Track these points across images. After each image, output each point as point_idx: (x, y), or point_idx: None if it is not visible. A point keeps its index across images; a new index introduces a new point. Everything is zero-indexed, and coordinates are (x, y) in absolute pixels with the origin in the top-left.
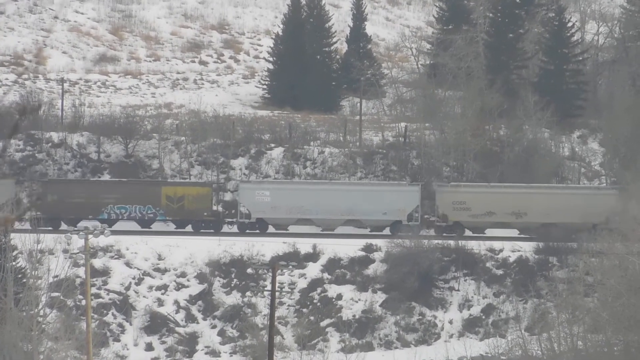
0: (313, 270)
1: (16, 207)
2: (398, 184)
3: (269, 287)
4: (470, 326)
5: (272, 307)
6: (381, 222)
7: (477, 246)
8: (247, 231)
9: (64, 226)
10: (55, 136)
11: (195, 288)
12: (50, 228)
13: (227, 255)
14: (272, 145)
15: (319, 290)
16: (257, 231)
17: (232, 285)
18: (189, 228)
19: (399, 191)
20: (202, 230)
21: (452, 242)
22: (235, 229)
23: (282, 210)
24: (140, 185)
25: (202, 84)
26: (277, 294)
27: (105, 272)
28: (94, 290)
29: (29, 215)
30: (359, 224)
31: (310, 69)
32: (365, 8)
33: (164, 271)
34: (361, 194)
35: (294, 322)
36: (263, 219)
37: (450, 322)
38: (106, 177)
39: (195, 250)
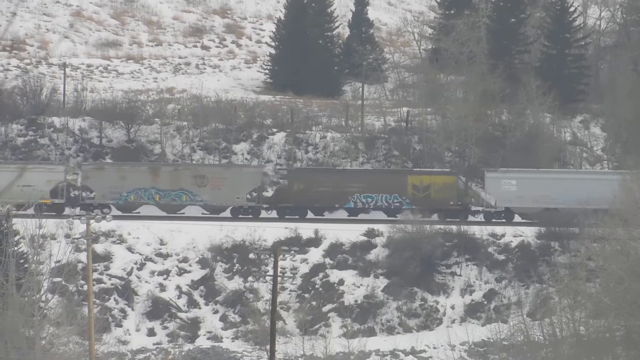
0: (315, 255)
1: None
2: None
3: (270, 272)
4: (472, 311)
5: (274, 292)
6: None
7: (479, 231)
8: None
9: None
10: (57, 121)
11: (197, 273)
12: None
13: (229, 241)
14: (274, 130)
15: (320, 275)
16: (503, 220)
17: (234, 270)
18: (190, 212)
19: None
20: (447, 220)
21: (454, 227)
22: (481, 217)
23: (528, 200)
24: (386, 174)
25: (204, 68)
26: (279, 279)
27: (107, 257)
28: (95, 275)
29: None
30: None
31: (313, 54)
32: None
33: (166, 256)
34: (614, 184)
35: (296, 308)
36: (509, 208)
37: (452, 307)
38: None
39: (197, 236)
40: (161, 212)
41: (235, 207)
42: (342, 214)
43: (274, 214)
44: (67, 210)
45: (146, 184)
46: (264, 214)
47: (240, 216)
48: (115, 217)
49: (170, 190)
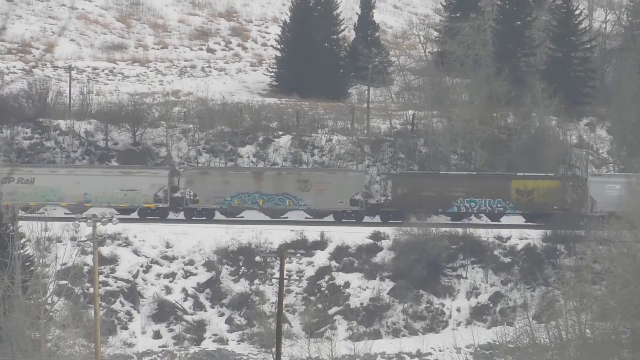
0: (321, 258)
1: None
2: None
3: (277, 275)
4: (478, 314)
5: (280, 295)
6: None
7: (485, 234)
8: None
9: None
10: (63, 124)
11: (203, 276)
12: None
13: (235, 243)
14: (280, 132)
15: (326, 278)
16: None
17: (240, 273)
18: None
19: None
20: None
21: (459, 230)
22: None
23: None
24: (490, 179)
25: (210, 71)
26: (285, 281)
27: (113, 260)
28: (101, 278)
29: None
30: None
31: (318, 57)
32: None
33: (172, 259)
34: None
35: (302, 310)
36: (614, 213)
37: (458, 310)
38: (109, 163)
39: (203, 238)
40: (265, 216)
41: (339, 211)
42: (444, 218)
43: (376, 218)
44: (170, 215)
45: (250, 188)
46: (366, 218)
47: (344, 220)
48: (122, 220)
49: (274, 194)
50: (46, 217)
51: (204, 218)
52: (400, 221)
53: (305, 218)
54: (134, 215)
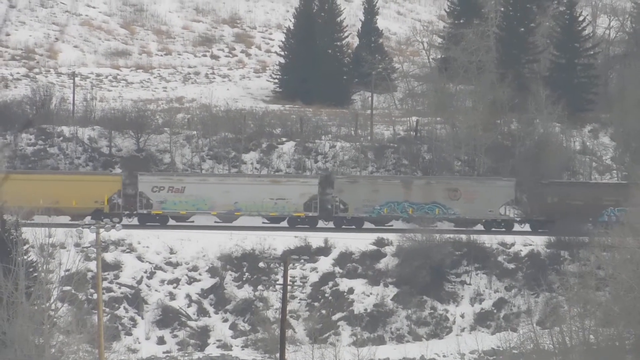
0: (324, 264)
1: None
2: None
3: (280, 281)
4: (482, 320)
5: (284, 301)
6: None
7: (488, 240)
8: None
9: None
10: (66, 130)
11: (207, 282)
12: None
13: (239, 249)
14: (284, 139)
15: (330, 284)
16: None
17: (244, 279)
18: (199, 222)
19: None
20: None
21: (463, 236)
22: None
23: None
24: None
25: (214, 78)
26: (288, 287)
27: (116, 266)
28: (105, 284)
29: None
30: None
31: (322, 63)
32: (376, 2)
33: (175, 265)
34: None
35: (306, 316)
36: None
37: (462, 316)
38: (113, 169)
39: (207, 244)
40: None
41: (489, 220)
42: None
43: (526, 227)
44: (320, 224)
45: (399, 197)
46: (516, 227)
47: (493, 229)
48: (125, 227)
49: (423, 203)
50: (49, 223)
51: (353, 227)
52: (550, 231)
53: (455, 227)
54: (284, 224)
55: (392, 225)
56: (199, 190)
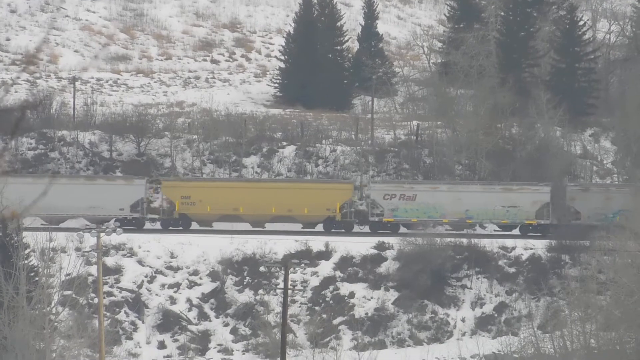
0: (325, 268)
1: None
2: None
3: (281, 285)
4: (483, 324)
5: (285, 305)
6: None
7: (489, 244)
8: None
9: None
10: (67, 134)
11: (208, 286)
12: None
13: (240, 254)
14: (284, 143)
15: (331, 288)
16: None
17: (245, 283)
18: (195, 225)
19: None
20: None
21: (464, 240)
22: None
23: None
24: None
25: (214, 82)
26: (289, 292)
27: (117, 270)
28: (106, 288)
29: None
30: None
31: (322, 68)
32: (376, 6)
33: (176, 269)
34: None
35: (307, 320)
36: None
37: (463, 320)
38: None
39: (207, 249)
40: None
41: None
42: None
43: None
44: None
45: (630, 205)
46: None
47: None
48: (126, 231)
49: None
50: (50, 227)
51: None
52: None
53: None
54: (516, 231)
55: None
56: (430, 198)
